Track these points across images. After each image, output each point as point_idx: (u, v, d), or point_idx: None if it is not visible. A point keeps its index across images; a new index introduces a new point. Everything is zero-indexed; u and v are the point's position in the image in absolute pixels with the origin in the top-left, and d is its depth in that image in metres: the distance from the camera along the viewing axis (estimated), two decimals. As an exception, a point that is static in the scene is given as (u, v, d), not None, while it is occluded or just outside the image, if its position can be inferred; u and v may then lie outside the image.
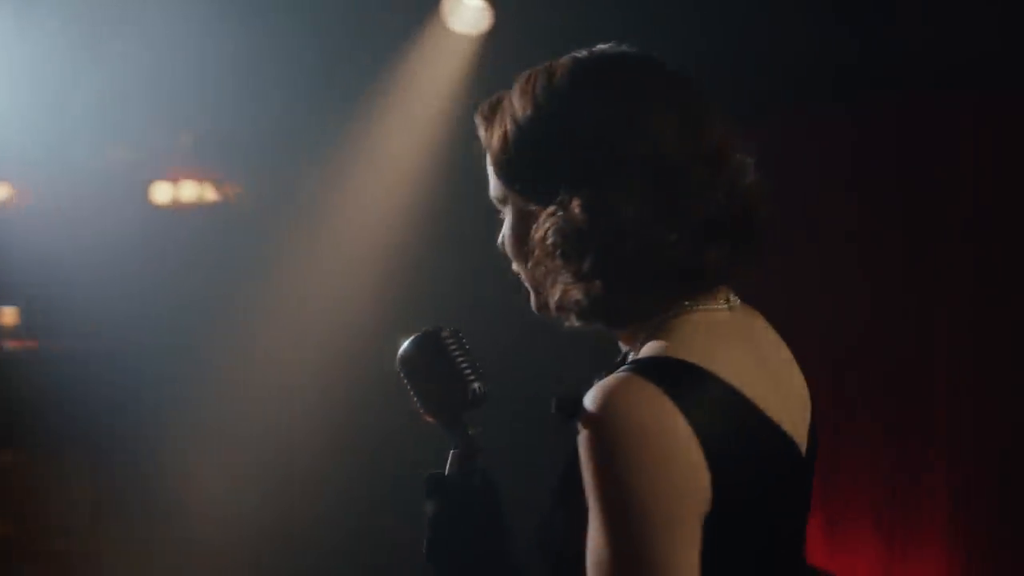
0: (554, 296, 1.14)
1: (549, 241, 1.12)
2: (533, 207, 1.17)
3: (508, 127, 1.18)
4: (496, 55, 3.77)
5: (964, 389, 3.73)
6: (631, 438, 1.02)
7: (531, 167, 1.17)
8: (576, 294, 1.12)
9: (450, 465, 1.26)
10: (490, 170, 1.23)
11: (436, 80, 3.81)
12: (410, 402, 1.29)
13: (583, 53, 1.19)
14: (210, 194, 4.37)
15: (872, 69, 3.60)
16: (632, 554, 1.02)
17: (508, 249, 1.24)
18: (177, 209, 4.32)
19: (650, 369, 1.06)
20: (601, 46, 1.20)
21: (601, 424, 1.03)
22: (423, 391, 1.28)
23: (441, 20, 3.70)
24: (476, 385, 1.26)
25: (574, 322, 1.16)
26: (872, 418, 3.91)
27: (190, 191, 4.39)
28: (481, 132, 1.23)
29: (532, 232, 1.15)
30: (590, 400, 1.05)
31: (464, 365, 1.27)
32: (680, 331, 1.12)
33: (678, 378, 1.05)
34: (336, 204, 4.02)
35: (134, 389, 3.89)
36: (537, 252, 1.15)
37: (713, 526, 1.03)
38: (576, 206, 1.11)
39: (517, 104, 1.18)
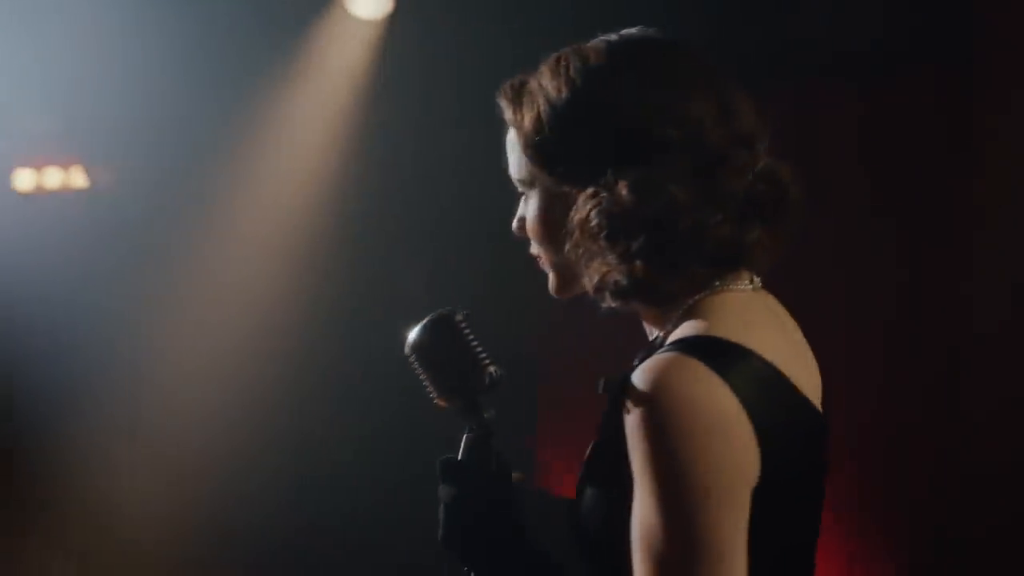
0: (592, 278, 1.16)
1: (593, 223, 1.13)
2: (566, 189, 1.18)
3: (542, 108, 1.17)
4: (398, 40, 3.73)
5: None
6: (686, 415, 1.05)
7: (569, 149, 1.17)
8: (617, 275, 1.14)
9: (464, 450, 1.25)
10: (515, 151, 1.23)
11: (338, 66, 3.75)
12: (422, 388, 1.28)
13: (614, 37, 1.20)
14: (78, 181, 4.14)
15: (762, 59, 3.69)
16: (687, 527, 1.05)
17: (532, 231, 1.24)
18: (44, 196, 4.07)
19: (696, 348, 1.09)
20: (629, 31, 1.21)
21: (655, 403, 1.05)
22: (439, 377, 1.26)
23: (342, 5, 3.63)
24: (493, 369, 1.25)
25: (610, 303, 1.17)
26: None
27: (54, 178, 4.15)
28: (508, 114, 1.22)
29: (571, 214, 1.16)
30: (641, 380, 1.07)
31: (479, 349, 1.25)
32: (715, 311, 1.15)
33: (723, 356, 1.08)
34: (231, 192, 3.92)
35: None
36: (576, 234, 1.15)
37: (759, 498, 1.07)
38: (623, 188, 1.12)
39: (550, 86, 1.17)
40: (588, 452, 1.19)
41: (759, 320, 1.16)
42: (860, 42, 3.60)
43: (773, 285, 1.26)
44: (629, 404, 1.06)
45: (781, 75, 3.68)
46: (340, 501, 3.91)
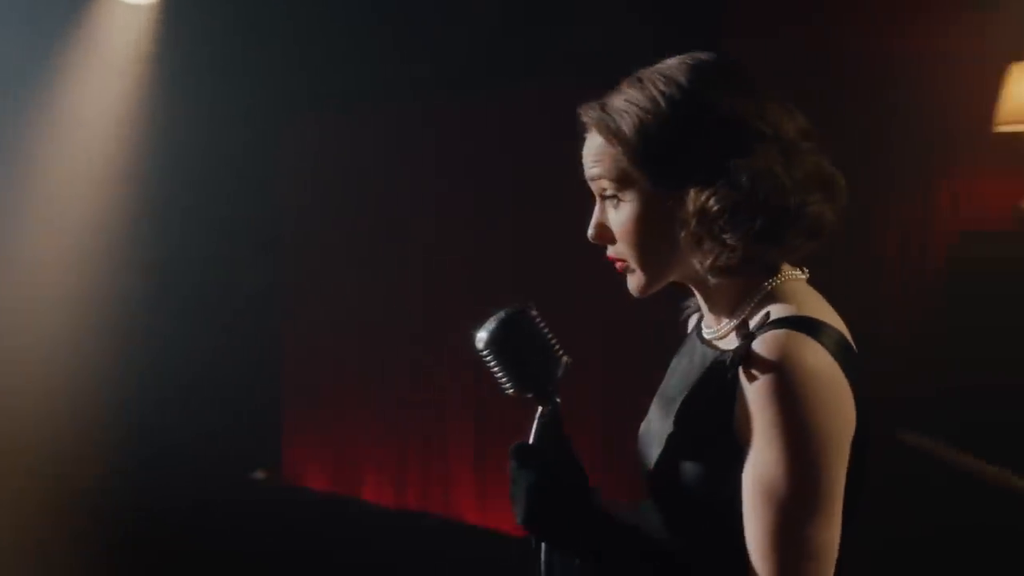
0: (706, 261, 1.30)
1: (715, 208, 1.27)
2: (662, 191, 1.31)
3: (644, 120, 1.30)
4: (169, 27, 3.73)
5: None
6: (811, 382, 1.22)
7: (675, 152, 1.30)
8: (731, 253, 1.29)
9: (537, 433, 1.34)
10: (605, 160, 1.34)
11: (109, 53, 3.69)
12: (496, 380, 1.35)
13: (688, 58, 1.35)
14: None
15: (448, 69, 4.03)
16: (809, 474, 1.22)
17: (627, 232, 1.34)
18: None
19: (800, 325, 1.25)
20: (695, 53, 1.36)
21: (784, 372, 1.22)
22: (517, 368, 1.34)
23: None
24: (566, 358, 1.35)
25: (723, 278, 1.32)
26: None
27: None
28: (602, 131, 1.34)
29: (685, 206, 1.29)
30: (767, 352, 1.23)
31: (553, 340, 1.35)
32: (794, 295, 1.32)
33: (819, 331, 1.26)
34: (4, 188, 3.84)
35: None
36: (693, 223, 1.29)
37: (853, 449, 1.26)
38: (739, 176, 1.27)
39: (644, 101, 1.31)
40: (672, 428, 1.33)
41: (821, 302, 1.34)
42: (614, 48, 3.79)
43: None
44: (756, 373, 1.23)
45: (547, 77, 3.91)
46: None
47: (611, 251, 1.38)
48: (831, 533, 1.23)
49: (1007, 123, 3.40)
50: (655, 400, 1.46)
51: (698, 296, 1.41)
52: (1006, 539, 2.92)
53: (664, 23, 3.66)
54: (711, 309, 1.39)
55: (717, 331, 1.37)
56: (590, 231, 1.38)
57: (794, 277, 1.35)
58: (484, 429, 4.34)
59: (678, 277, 1.38)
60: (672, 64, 1.34)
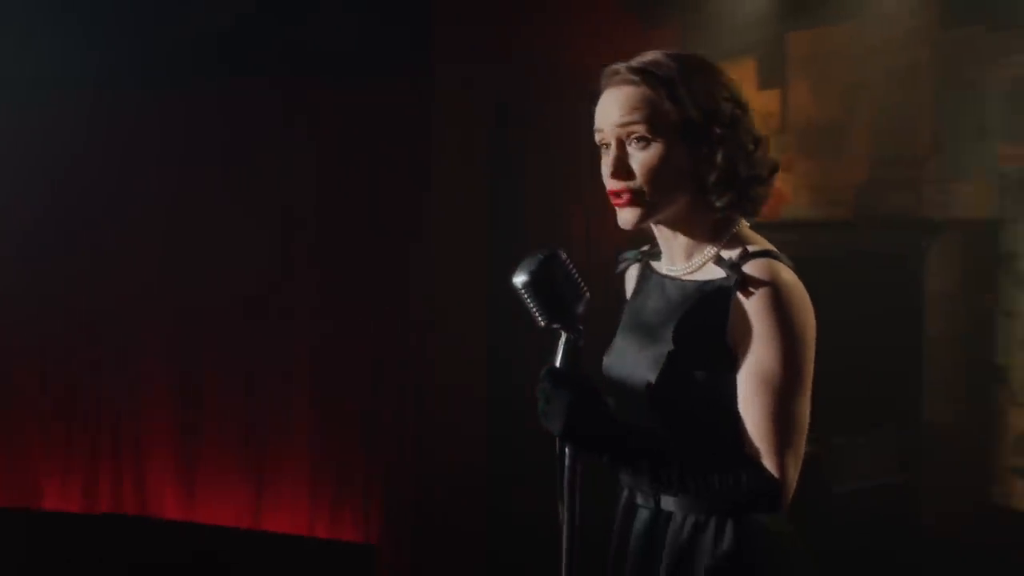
0: (722, 200, 1.63)
1: (744, 169, 1.62)
2: (688, 141, 1.62)
3: (689, 80, 1.62)
4: None
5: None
6: (797, 296, 1.57)
7: (699, 113, 1.62)
8: (737, 196, 1.63)
9: (564, 357, 1.58)
10: (645, 110, 1.62)
11: None
12: (530, 314, 1.58)
13: (690, 53, 1.69)
14: None
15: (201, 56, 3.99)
16: (797, 367, 1.56)
17: (650, 170, 1.62)
18: None
19: (777, 256, 1.61)
20: (688, 52, 1.69)
21: (776, 288, 1.56)
22: (550, 301, 1.56)
23: None
24: (588, 293, 1.58)
25: (730, 215, 1.65)
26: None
27: None
28: (649, 81, 1.63)
29: (711, 161, 1.61)
30: (760, 274, 1.57)
31: (578, 278, 1.58)
32: (753, 236, 1.66)
33: (783, 259, 1.60)
34: None
35: None
36: (722, 172, 1.61)
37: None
38: (746, 137, 1.63)
39: (685, 70, 1.63)
40: (671, 342, 1.60)
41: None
42: (332, 45, 3.99)
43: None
44: (753, 290, 1.56)
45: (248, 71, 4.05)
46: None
47: (622, 185, 1.64)
48: (808, 410, 1.58)
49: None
50: (623, 335, 1.75)
51: (666, 238, 1.70)
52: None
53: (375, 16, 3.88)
54: (677, 251, 1.70)
55: (687, 267, 1.68)
56: (611, 168, 1.64)
57: (746, 224, 1.69)
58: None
59: (664, 217, 1.66)
60: (688, 53, 1.67)
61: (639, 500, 1.69)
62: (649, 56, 1.65)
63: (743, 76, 4.09)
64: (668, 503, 1.65)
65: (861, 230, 3.74)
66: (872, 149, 3.81)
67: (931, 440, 3.46)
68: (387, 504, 4.25)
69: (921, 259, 3.45)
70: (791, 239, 2.00)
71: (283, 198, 4.31)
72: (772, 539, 1.60)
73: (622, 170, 1.64)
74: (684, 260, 1.69)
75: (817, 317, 1.59)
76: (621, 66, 1.65)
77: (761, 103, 3.93)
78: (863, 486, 3.33)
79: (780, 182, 1.94)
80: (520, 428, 4.33)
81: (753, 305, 1.56)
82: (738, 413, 1.57)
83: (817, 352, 1.59)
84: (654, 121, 1.62)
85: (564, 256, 1.58)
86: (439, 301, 4.24)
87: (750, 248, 1.61)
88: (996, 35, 3.49)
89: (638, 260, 1.82)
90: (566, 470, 1.59)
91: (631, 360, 1.68)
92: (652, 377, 1.61)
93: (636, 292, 1.79)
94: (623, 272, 1.87)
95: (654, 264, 1.78)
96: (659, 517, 1.66)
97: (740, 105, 1.64)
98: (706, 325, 1.59)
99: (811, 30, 3.90)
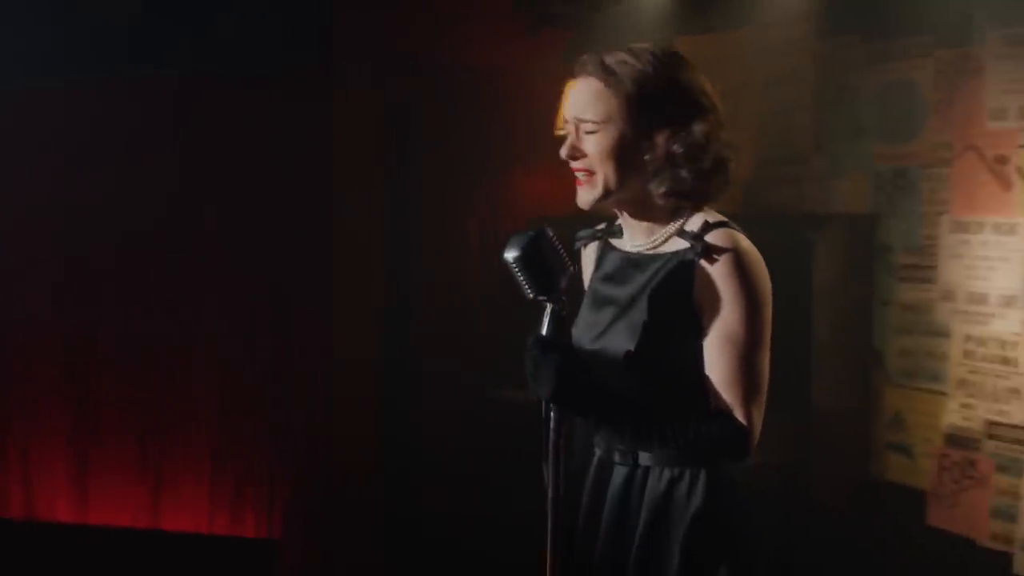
0: (660, 188, 1.77)
1: (680, 151, 1.75)
2: (639, 129, 1.76)
3: (639, 78, 1.75)
4: None
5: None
6: (756, 262, 1.72)
7: (655, 105, 1.76)
8: (682, 183, 1.76)
9: (551, 325, 1.71)
10: (596, 100, 1.77)
11: None
12: (519, 287, 1.70)
13: (660, 45, 1.82)
14: None
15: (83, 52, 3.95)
16: (759, 327, 1.72)
17: (603, 155, 1.77)
18: None
19: (731, 225, 1.76)
20: (662, 45, 1.84)
21: (741, 254, 1.71)
22: (539, 275, 1.68)
23: None
24: (572, 267, 1.72)
25: (669, 202, 1.77)
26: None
27: None
28: (600, 76, 1.77)
29: (656, 145, 1.76)
30: (723, 243, 1.71)
31: (563, 253, 1.70)
32: (712, 211, 1.81)
33: (742, 232, 1.76)
34: None
35: None
36: (660, 160, 1.75)
37: None
38: (698, 131, 1.76)
39: (638, 65, 1.76)
40: (646, 312, 1.74)
41: None
42: (233, 42, 4.02)
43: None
44: (717, 257, 1.70)
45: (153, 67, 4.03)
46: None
47: (576, 165, 1.81)
48: (768, 365, 1.75)
49: (564, 129, 4.09)
50: (591, 309, 1.88)
51: (628, 219, 1.85)
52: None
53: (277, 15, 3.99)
54: (639, 230, 1.84)
55: (649, 243, 1.83)
56: (567, 150, 1.81)
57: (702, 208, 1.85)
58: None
59: (622, 198, 1.81)
60: (648, 46, 1.81)
61: (616, 459, 1.82)
62: (619, 52, 1.79)
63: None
64: (645, 459, 1.78)
65: (750, 224, 3.96)
66: (758, 148, 4.00)
67: (818, 420, 3.70)
68: (290, 500, 4.25)
69: (808, 252, 3.65)
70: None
71: (180, 197, 4.25)
72: (741, 490, 1.78)
73: (577, 150, 1.80)
74: (646, 238, 1.83)
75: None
76: (587, 58, 1.80)
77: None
78: (758, 463, 3.55)
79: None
80: (414, 426, 4.43)
81: (716, 271, 1.71)
82: (704, 371, 1.72)
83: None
84: (607, 111, 1.76)
85: (551, 233, 1.70)
86: (339, 299, 4.27)
87: (710, 220, 1.77)
88: (871, 44, 3.72)
89: (596, 238, 1.96)
90: (551, 432, 1.70)
91: (605, 332, 1.81)
92: (631, 345, 1.74)
93: (598, 268, 1.93)
94: (578, 251, 1.99)
95: (614, 242, 1.92)
96: (636, 473, 1.79)
97: (700, 101, 1.77)
98: (674, 293, 1.74)
99: (699, 36, 4.11)
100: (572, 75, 1.83)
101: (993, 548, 3.38)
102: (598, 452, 1.87)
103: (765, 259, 1.76)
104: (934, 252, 3.57)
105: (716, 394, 1.72)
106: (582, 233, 1.98)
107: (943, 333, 3.54)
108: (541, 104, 4.38)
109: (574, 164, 1.81)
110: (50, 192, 4.26)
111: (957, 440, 3.50)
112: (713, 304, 1.71)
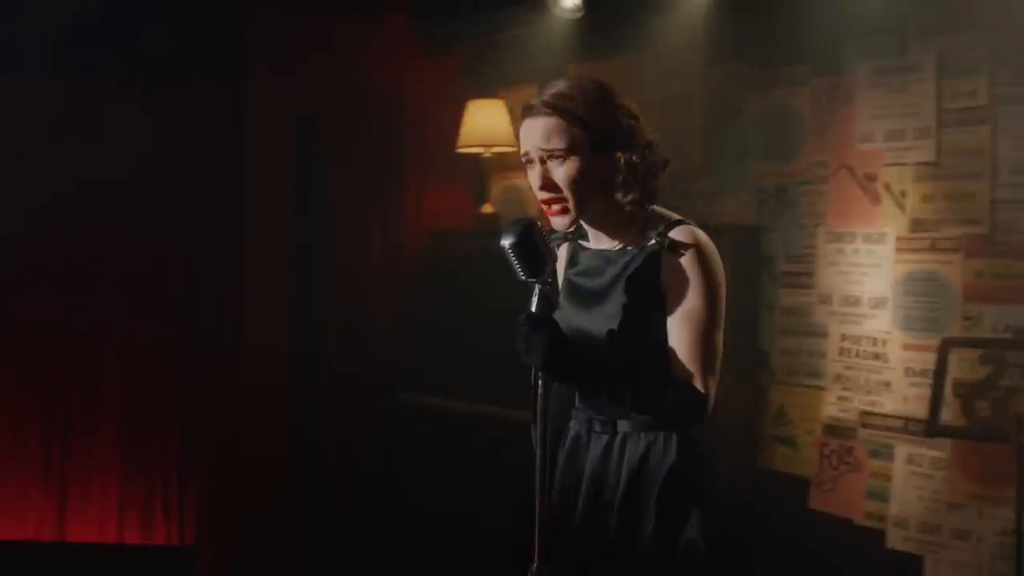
0: (627, 197, 2.04)
1: (639, 164, 2.03)
2: (598, 154, 2.02)
3: (590, 110, 2.01)
4: None
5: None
6: (713, 253, 2.02)
7: (606, 132, 2.03)
8: (642, 193, 2.05)
9: (539, 303, 1.94)
10: (556, 133, 2.02)
11: None
12: (513, 270, 1.93)
13: (593, 78, 2.09)
14: None
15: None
16: (717, 307, 2.00)
17: (572, 181, 2.02)
18: None
19: (691, 222, 2.06)
20: (586, 79, 2.09)
21: (700, 247, 2.00)
22: (531, 260, 1.92)
23: None
24: (555, 254, 2.02)
25: (635, 208, 2.06)
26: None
27: None
28: (559, 112, 2.01)
29: (619, 167, 2.02)
30: (685, 237, 2.00)
31: (549, 241, 1.97)
32: (668, 211, 2.09)
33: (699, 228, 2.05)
34: None
35: None
36: (625, 175, 2.02)
37: None
38: (644, 143, 2.05)
39: (585, 99, 2.02)
40: (624, 296, 2.01)
41: None
42: (147, 49, 4.15)
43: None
44: (682, 250, 1.99)
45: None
46: None
47: (551, 196, 2.05)
48: (721, 342, 2.02)
49: (465, 146, 4.58)
50: (570, 299, 2.13)
51: (592, 229, 2.12)
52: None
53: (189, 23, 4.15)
54: (604, 237, 2.12)
55: (615, 244, 2.10)
56: (539, 181, 2.05)
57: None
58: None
59: (590, 215, 2.08)
60: (588, 77, 2.10)
61: (597, 428, 2.11)
62: (556, 88, 2.04)
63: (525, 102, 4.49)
64: (624, 426, 2.07)
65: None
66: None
67: (711, 418, 3.97)
68: (201, 505, 4.27)
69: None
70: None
71: (91, 202, 4.25)
72: (701, 450, 2.08)
73: (549, 183, 2.05)
74: (610, 242, 2.13)
75: None
76: (537, 101, 2.05)
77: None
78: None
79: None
80: (324, 423, 4.51)
81: (680, 261, 2.00)
82: (669, 346, 2.00)
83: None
84: (569, 143, 2.02)
85: (540, 224, 1.96)
86: (248, 302, 4.34)
87: (672, 218, 2.08)
88: (755, 71, 4.06)
89: (567, 240, 2.23)
90: (539, 399, 1.94)
91: (587, 316, 2.08)
92: (614, 325, 2.02)
93: (572, 265, 2.20)
94: (554, 249, 2.18)
95: (583, 243, 2.19)
96: (615, 441, 2.07)
97: (633, 117, 2.06)
98: (644, 280, 2.03)
99: (597, 63, 4.38)
100: (522, 115, 2.07)
101: (868, 526, 3.73)
102: (574, 429, 2.14)
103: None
104: (812, 260, 3.91)
105: (679, 364, 2.00)
106: (556, 235, 2.21)
107: (821, 333, 3.89)
108: (438, 123, 4.62)
109: (545, 195, 2.06)
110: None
111: (835, 430, 3.85)
112: (677, 289, 1.99)
